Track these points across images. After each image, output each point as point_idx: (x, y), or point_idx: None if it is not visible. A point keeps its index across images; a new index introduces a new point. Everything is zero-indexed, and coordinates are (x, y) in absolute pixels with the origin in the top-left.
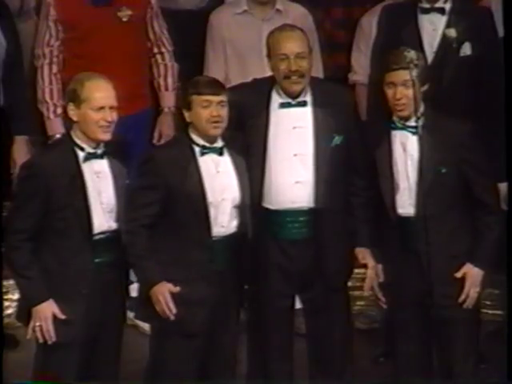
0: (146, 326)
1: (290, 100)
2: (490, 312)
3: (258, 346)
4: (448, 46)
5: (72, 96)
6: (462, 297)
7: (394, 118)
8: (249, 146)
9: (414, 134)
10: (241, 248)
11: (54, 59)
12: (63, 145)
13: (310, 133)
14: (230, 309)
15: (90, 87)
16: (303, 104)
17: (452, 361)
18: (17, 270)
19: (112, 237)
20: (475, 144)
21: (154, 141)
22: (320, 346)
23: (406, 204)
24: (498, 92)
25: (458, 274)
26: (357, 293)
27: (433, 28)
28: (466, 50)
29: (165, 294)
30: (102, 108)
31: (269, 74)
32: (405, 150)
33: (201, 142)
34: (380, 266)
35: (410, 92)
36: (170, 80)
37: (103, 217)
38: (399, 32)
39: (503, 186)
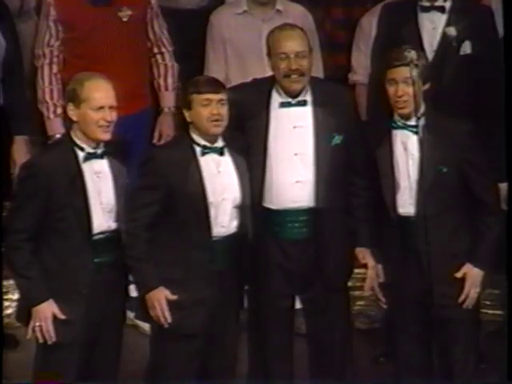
0: (146, 326)
1: (290, 99)
2: (490, 312)
3: (259, 345)
4: (448, 44)
5: (72, 96)
6: (462, 297)
7: (395, 117)
8: (249, 145)
9: (414, 133)
10: (241, 248)
11: (54, 59)
12: (63, 145)
13: (310, 132)
14: (230, 309)
15: (89, 87)
16: (303, 103)
17: (452, 361)
18: (17, 270)
19: (112, 237)
20: (475, 144)
21: (154, 141)
22: (320, 346)
23: (406, 203)
24: (498, 91)
25: (458, 274)
26: (357, 293)
27: (433, 26)
28: (466, 48)
29: (161, 301)
30: (101, 108)
31: (269, 74)
32: (406, 149)
33: (202, 141)
34: (380, 266)
35: (411, 89)
36: (170, 80)
37: (103, 217)
38: (399, 30)
39: (503, 186)
